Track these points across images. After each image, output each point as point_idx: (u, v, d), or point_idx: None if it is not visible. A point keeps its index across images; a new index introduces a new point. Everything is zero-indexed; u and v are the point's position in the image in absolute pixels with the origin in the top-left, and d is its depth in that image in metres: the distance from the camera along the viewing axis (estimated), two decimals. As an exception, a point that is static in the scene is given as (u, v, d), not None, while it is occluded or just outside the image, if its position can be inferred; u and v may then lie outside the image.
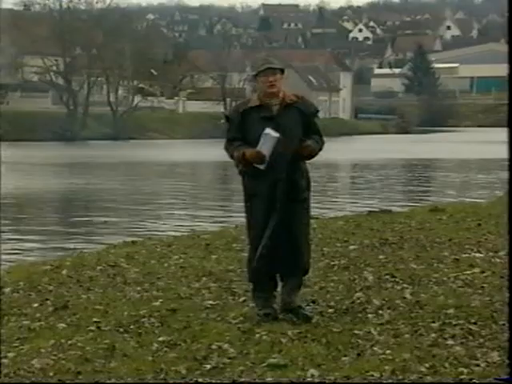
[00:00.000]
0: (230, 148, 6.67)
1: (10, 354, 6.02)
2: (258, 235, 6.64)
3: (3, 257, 14.26)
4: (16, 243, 16.07)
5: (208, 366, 5.65)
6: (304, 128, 6.68)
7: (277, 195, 6.59)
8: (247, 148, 6.56)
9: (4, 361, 5.89)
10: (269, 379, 5.40)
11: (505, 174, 5.93)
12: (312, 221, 13.30)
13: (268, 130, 6.53)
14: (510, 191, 5.44)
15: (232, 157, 6.69)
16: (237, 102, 7.49)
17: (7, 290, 8.26)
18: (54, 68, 71.98)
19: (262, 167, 6.58)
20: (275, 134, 6.54)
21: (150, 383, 5.43)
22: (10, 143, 53.31)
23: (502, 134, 7.43)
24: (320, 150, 6.75)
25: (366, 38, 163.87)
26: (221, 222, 17.40)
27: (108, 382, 5.40)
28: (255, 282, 6.80)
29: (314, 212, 16.38)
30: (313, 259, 9.39)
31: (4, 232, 17.61)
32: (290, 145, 6.56)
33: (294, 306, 6.71)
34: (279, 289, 6.86)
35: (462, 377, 5.37)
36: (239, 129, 6.67)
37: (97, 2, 76.92)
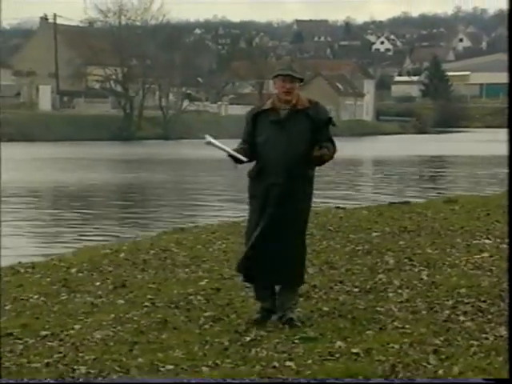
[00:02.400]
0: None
1: (76, 326, 6.08)
2: (249, 236, 5.99)
3: (68, 239, 14.38)
4: (80, 229, 16.17)
5: (248, 338, 5.66)
6: (314, 134, 5.87)
7: (269, 199, 5.87)
8: (239, 148, 6.01)
9: (71, 332, 5.95)
10: (300, 350, 5.39)
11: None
12: (339, 210, 13.38)
13: (206, 137, 5.98)
14: (509, 188, 5.37)
15: None
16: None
17: (73, 270, 8.34)
18: (114, 77, 72.29)
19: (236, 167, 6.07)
20: (209, 139, 6.02)
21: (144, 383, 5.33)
22: (74, 142, 53.83)
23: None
24: (331, 158, 5.92)
25: (387, 50, 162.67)
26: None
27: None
28: (254, 288, 6.15)
29: (340, 203, 16.34)
30: (339, 245, 9.40)
31: (70, 218, 17.77)
32: (294, 150, 5.83)
33: (285, 318, 5.95)
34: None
35: (473, 349, 5.34)
36: (250, 131, 6.03)
37: (151, 19, 77.17)
